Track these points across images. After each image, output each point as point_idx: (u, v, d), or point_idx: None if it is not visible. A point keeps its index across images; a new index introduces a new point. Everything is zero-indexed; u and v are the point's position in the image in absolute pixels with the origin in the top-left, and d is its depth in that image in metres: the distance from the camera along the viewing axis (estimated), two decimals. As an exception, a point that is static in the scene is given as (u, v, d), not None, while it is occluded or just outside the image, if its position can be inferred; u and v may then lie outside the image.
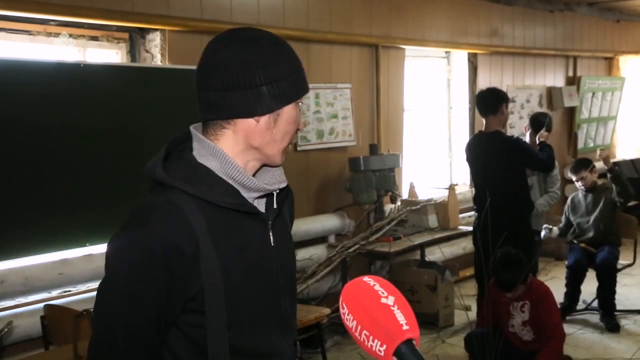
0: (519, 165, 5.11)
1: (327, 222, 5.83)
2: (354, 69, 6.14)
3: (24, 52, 4.23)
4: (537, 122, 5.64)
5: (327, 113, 5.87)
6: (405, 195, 6.42)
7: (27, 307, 4.00)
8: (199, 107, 1.48)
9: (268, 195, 1.55)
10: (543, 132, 5.49)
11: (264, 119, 1.46)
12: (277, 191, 1.54)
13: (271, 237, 1.53)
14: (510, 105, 7.72)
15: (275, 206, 1.55)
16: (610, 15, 9.46)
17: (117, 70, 4.36)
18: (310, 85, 5.85)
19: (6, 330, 3.62)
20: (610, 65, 9.98)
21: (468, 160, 5.37)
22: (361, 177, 5.70)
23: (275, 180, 1.55)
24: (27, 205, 3.84)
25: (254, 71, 1.42)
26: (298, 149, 5.65)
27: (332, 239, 5.92)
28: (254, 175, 1.52)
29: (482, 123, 5.30)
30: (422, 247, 6.10)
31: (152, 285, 1.37)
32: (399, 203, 6.12)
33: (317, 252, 5.71)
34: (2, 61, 3.80)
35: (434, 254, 6.44)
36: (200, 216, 1.40)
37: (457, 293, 5.76)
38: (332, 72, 5.95)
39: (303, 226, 5.58)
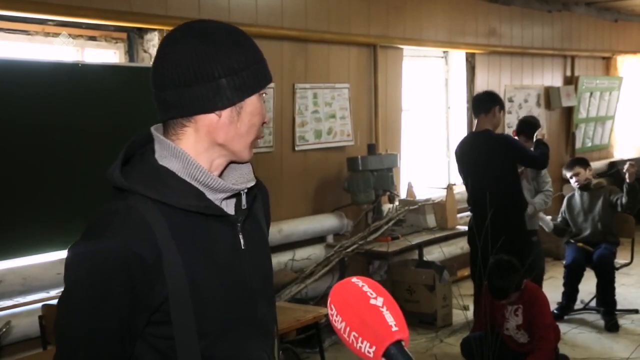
0: (511, 162, 5.09)
1: (325, 222, 5.83)
2: (352, 69, 6.14)
3: (22, 52, 4.23)
4: (530, 125, 5.56)
5: (325, 113, 5.87)
6: (403, 195, 6.42)
7: (26, 307, 4.00)
8: (157, 107, 1.41)
9: (237, 195, 1.46)
10: (541, 130, 5.47)
11: (226, 113, 1.38)
12: (246, 190, 1.46)
13: (241, 240, 1.45)
14: (508, 105, 7.75)
15: (244, 206, 1.47)
16: (608, 15, 9.47)
17: (115, 70, 4.36)
18: (308, 85, 5.85)
19: (4, 330, 3.63)
20: (608, 65, 9.99)
21: (458, 160, 5.32)
22: (359, 177, 5.71)
23: (244, 179, 1.47)
24: (25, 205, 3.84)
25: (211, 63, 1.35)
26: (296, 148, 5.66)
27: (330, 239, 5.92)
28: (221, 174, 1.46)
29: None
30: (420, 246, 6.11)
31: (112, 297, 1.30)
32: (397, 203, 6.12)
33: (316, 252, 5.72)
34: (0, 61, 3.80)
35: (432, 254, 6.45)
36: (162, 221, 1.33)
37: (455, 293, 5.77)
38: (330, 72, 5.95)
39: (301, 226, 5.59)
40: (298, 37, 5.60)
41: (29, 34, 4.19)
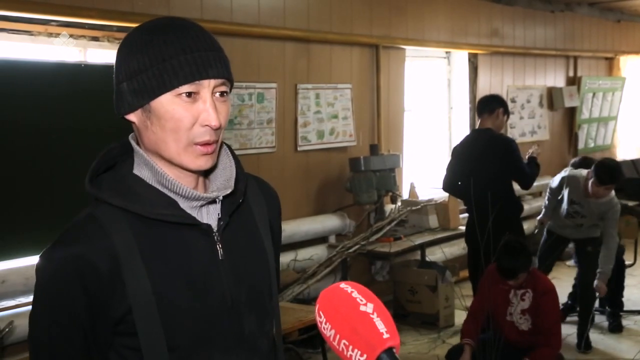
0: (507, 164, 5.04)
1: (328, 222, 5.83)
2: (354, 69, 6.14)
3: (24, 52, 4.23)
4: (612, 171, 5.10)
5: (328, 113, 5.87)
6: (405, 195, 6.42)
7: (28, 307, 3.98)
8: None
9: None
10: (535, 147, 5.33)
11: (138, 118, 1.33)
12: (220, 199, 1.37)
13: (219, 250, 1.37)
14: (511, 105, 7.73)
15: (219, 215, 1.39)
16: (610, 15, 9.46)
17: (117, 71, 4.35)
18: (311, 86, 5.83)
19: (7, 330, 3.63)
20: (610, 65, 9.98)
21: (456, 155, 5.26)
22: (362, 178, 5.71)
23: (222, 186, 1.39)
24: (27, 205, 3.85)
25: (118, 68, 1.32)
26: (298, 149, 5.66)
27: (332, 239, 5.92)
28: (205, 179, 1.40)
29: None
30: (422, 247, 6.11)
31: (67, 305, 1.28)
32: (399, 203, 6.12)
33: (318, 252, 5.72)
34: (3, 61, 3.80)
35: (435, 254, 6.45)
36: (127, 230, 1.29)
37: (458, 293, 5.75)
38: (332, 72, 5.95)
39: (303, 226, 5.59)
40: (300, 37, 5.60)
41: (31, 35, 4.19)
